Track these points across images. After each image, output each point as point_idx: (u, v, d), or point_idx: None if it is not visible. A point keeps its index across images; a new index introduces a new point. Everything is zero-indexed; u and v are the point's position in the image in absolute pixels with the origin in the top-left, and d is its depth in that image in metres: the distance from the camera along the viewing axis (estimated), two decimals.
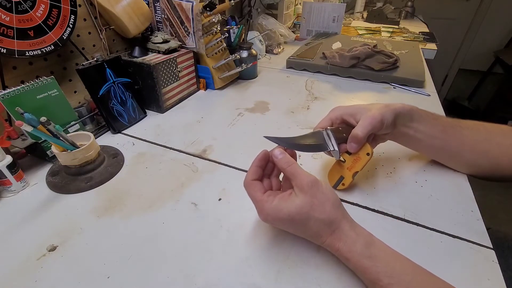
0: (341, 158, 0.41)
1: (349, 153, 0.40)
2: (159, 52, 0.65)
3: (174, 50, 0.67)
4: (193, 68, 0.73)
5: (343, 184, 0.41)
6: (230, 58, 0.74)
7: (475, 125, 0.43)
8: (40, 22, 0.48)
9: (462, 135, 0.42)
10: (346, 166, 0.41)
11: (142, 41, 0.67)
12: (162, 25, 0.72)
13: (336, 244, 0.30)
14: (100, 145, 0.49)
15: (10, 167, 0.40)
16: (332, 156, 0.41)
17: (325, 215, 0.29)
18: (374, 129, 0.37)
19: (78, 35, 0.58)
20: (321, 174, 0.47)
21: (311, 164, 0.49)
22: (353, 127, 0.38)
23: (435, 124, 0.41)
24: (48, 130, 0.40)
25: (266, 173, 0.35)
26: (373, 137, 0.42)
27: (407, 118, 0.40)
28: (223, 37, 0.77)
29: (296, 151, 0.37)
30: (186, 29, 0.69)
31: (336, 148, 0.39)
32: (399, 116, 0.39)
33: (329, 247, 0.31)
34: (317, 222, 0.29)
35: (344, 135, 0.39)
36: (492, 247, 0.34)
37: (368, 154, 0.38)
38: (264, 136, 0.34)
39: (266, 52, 1.07)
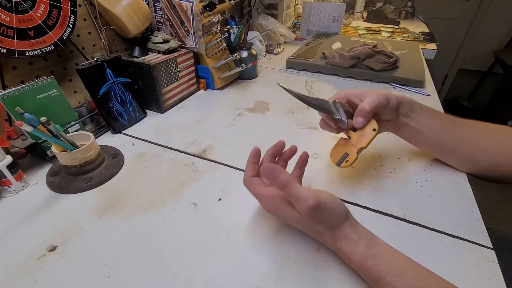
0: (346, 136, 0.40)
1: (354, 130, 0.40)
2: (159, 52, 0.65)
3: (174, 50, 0.67)
4: (193, 68, 0.73)
5: (347, 161, 0.40)
6: (230, 58, 0.74)
7: (476, 122, 0.43)
8: (40, 22, 0.48)
9: (462, 130, 0.42)
10: (351, 143, 0.40)
11: (142, 41, 0.67)
12: (162, 25, 0.72)
13: (337, 244, 0.30)
14: (100, 145, 0.49)
15: (10, 167, 0.40)
16: (335, 128, 0.40)
17: (328, 224, 0.30)
18: (380, 105, 0.37)
19: (78, 35, 0.58)
20: (323, 175, 0.47)
21: (312, 163, 0.49)
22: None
23: (435, 118, 0.42)
24: (48, 130, 0.40)
25: None
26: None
27: (409, 108, 0.41)
28: (223, 37, 0.77)
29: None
30: (186, 29, 0.69)
31: (344, 119, 0.38)
32: (401, 105, 0.40)
33: (331, 246, 0.31)
34: (320, 226, 0.30)
35: (351, 110, 0.39)
36: (492, 247, 0.34)
37: (374, 130, 0.38)
38: (278, 83, 0.34)
39: (266, 52, 1.07)
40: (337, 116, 0.38)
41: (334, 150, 0.42)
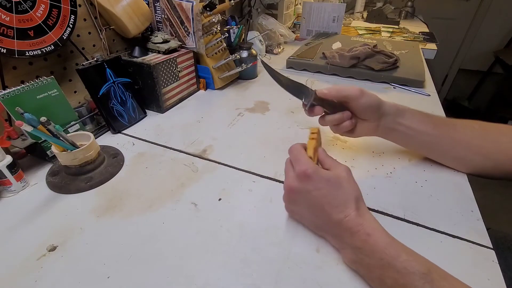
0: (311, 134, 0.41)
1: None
2: (159, 52, 0.65)
3: (174, 50, 0.67)
4: (193, 68, 0.73)
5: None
6: (230, 58, 0.74)
7: (470, 122, 0.43)
8: (40, 22, 0.48)
9: (455, 131, 0.42)
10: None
11: (142, 41, 0.67)
12: (162, 25, 0.72)
13: (359, 219, 0.30)
14: (100, 145, 0.49)
15: (10, 167, 0.40)
16: (307, 110, 0.43)
17: (356, 192, 0.32)
18: (345, 91, 0.40)
19: (78, 35, 0.58)
20: None
21: None
22: (342, 105, 0.43)
23: (427, 122, 0.42)
24: (48, 130, 0.40)
25: None
26: (356, 122, 0.44)
27: (398, 114, 0.42)
28: (223, 37, 0.77)
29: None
30: (186, 29, 0.69)
31: (307, 103, 0.41)
32: (386, 108, 0.42)
33: (351, 222, 0.31)
34: (348, 192, 0.32)
35: (335, 101, 0.41)
36: (492, 247, 0.34)
37: (312, 138, 0.38)
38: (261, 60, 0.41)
39: (266, 52, 1.07)
40: (302, 100, 0.41)
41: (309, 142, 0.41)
